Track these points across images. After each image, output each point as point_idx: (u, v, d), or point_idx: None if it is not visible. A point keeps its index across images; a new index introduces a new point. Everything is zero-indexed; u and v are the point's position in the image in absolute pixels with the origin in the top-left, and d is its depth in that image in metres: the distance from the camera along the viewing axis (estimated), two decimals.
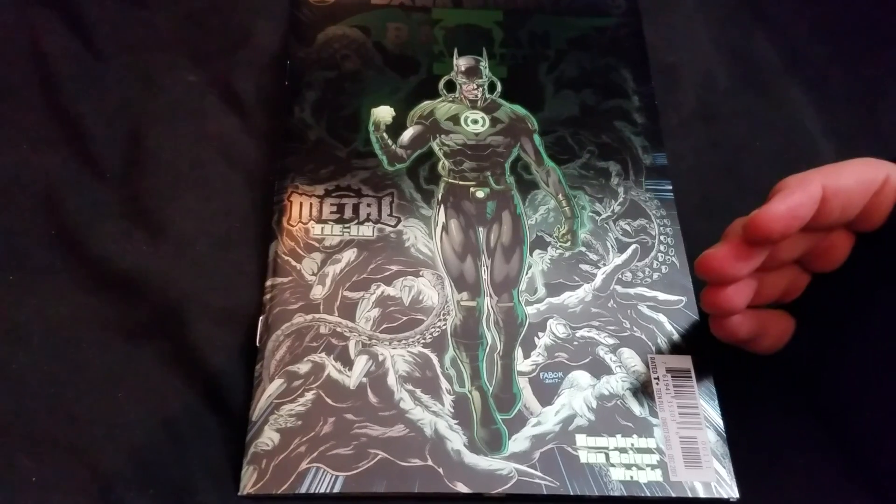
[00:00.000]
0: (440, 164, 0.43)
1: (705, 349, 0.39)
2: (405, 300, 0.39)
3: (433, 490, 0.34)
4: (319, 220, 0.41)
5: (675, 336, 0.39)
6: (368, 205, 0.42)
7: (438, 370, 0.37)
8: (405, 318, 0.39)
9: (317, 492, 0.34)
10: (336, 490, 0.34)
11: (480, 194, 0.43)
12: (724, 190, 0.46)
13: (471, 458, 0.35)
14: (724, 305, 0.34)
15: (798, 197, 0.31)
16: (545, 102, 0.46)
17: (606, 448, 0.36)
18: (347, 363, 0.37)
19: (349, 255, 0.40)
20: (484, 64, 0.47)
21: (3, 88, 0.45)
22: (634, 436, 0.36)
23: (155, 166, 0.43)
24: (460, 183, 0.43)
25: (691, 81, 0.50)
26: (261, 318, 0.38)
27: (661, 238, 0.42)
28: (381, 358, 0.37)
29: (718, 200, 0.45)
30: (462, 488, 0.34)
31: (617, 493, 0.35)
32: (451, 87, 0.46)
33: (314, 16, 0.48)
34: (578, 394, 0.37)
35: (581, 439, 0.36)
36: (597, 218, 0.43)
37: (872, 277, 0.35)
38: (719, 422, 0.37)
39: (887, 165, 0.33)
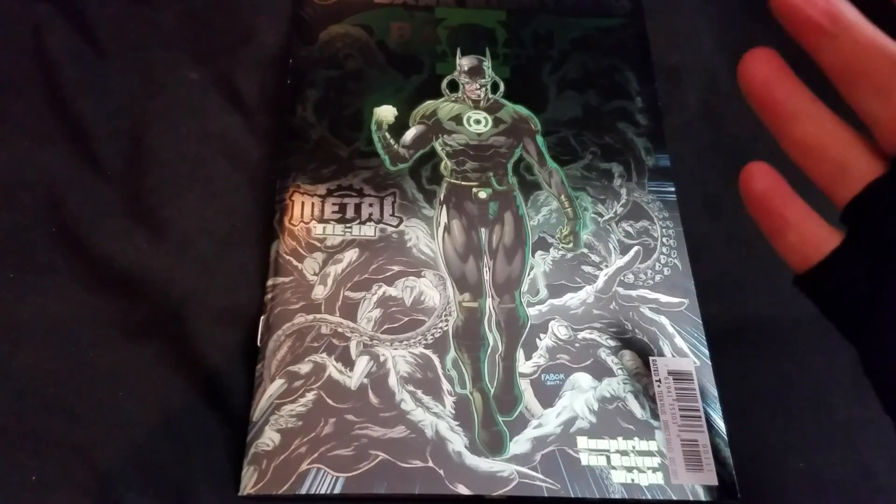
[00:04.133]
0: (442, 164, 0.43)
1: (707, 352, 0.39)
2: (407, 301, 0.39)
3: (434, 492, 0.34)
4: (321, 220, 0.41)
5: (677, 338, 0.39)
6: (370, 205, 0.42)
7: (440, 371, 0.37)
8: (407, 319, 0.38)
9: (317, 493, 0.34)
10: (336, 491, 0.34)
11: (483, 195, 0.43)
12: (726, 192, 0.46)
13: (472, 460, 0.35)
14: None
15: None
16: (548, 103, 0.46)
17: (608, 450, 0.36)
18: (348, 364, 0.37)
19: (351, 255, 0.40)
20: (487, 64, 0.47)
21: (4, 85, 0.45)
22: (636, 438, 0.36)
23: (156, 165, 0.43)
24: (462, 183, 0.43)
25: (695, 83, 0.50)
26: (262, 317, 0.38)
27: (664, 240, 0.42)
28: (382, 359, 0.37)
29: (721, 202, 0.45)
30: (463, 490, 0.34)
31: (618, 496, 0.35)
32: (453, 86, 0.46)
33: (317, 14, 0.48)
34: (580, 396, 0.37)
35: (582, 441, 0.36)
36: (599, 219, 0.43)
37: None
38: (721, 424, 0.37)
39: None
